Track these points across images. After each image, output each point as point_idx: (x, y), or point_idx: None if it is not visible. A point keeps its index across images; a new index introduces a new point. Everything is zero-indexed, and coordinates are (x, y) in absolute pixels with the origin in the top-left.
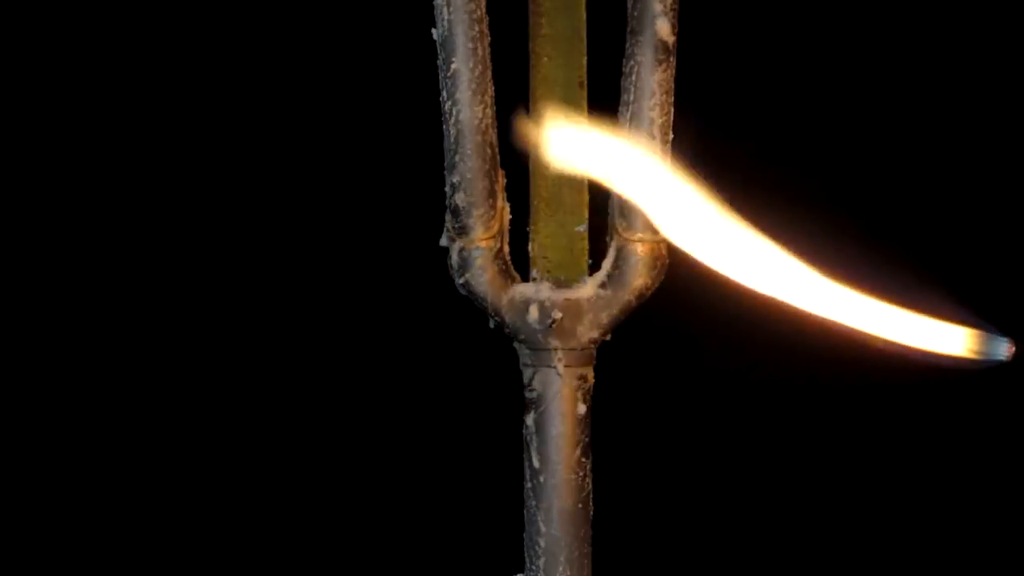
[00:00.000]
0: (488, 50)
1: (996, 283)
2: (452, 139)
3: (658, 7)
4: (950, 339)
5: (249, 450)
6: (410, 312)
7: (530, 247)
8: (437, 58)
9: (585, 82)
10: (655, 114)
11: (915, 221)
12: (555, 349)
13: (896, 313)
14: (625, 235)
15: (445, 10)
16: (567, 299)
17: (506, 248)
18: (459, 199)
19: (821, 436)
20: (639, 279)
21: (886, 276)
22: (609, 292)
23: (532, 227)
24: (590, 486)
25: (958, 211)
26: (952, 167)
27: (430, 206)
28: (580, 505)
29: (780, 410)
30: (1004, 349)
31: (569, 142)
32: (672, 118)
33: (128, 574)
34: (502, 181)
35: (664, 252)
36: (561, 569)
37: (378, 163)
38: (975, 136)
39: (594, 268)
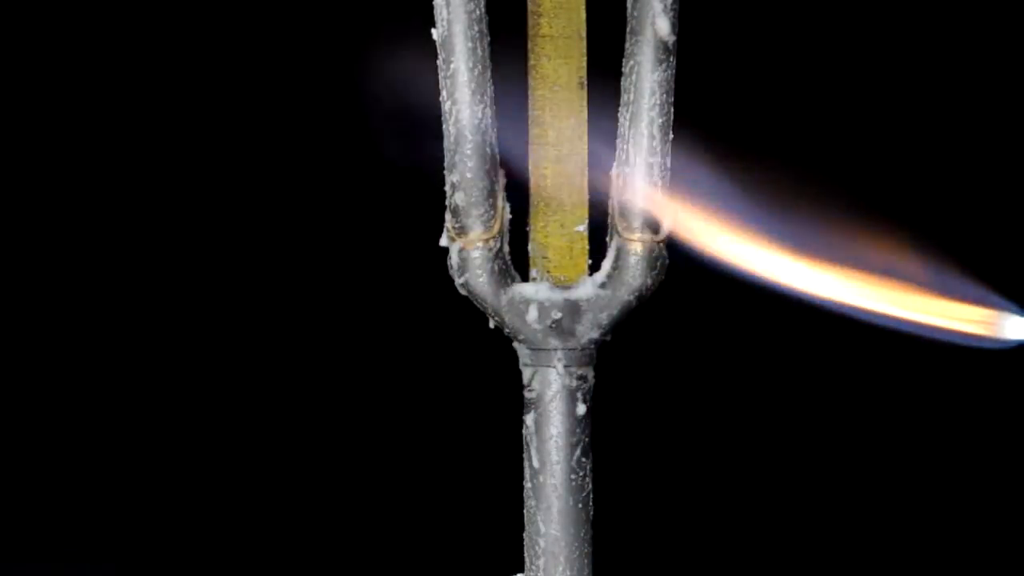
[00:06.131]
0: (488, 50)
1: (1013, 260)
2: (452, 139)
3: (658, 7)
4: (969, 318)
5: (249, 450)
6: (410, 312)
7: (530, 247)
8: (437, 58)
9: (585, 82)
10: (655, 114)
11: (932, 203)
12: (555, 349)
13: (911, 292)
14: (625, 235)
15: (445, 10)
16: (567, 299)
17: (506, 248)
18: (459, 199)
19: (821, 436)
20: (639, 279)
21: (900, 254)
22: (609, 292)
23: (532, 227)
24: (590, 486)
25: (975, 191)
26: (966, 151)
27: (430, 206)
28: (580, 505)
29: (780, 410)
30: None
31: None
32: (672, 118)
33: (129, 572)
34: (502, 181)
35: (664, 252)
36: (561, 569)
37: (378, 163)
38: (983, 124)
39: (594, 268)
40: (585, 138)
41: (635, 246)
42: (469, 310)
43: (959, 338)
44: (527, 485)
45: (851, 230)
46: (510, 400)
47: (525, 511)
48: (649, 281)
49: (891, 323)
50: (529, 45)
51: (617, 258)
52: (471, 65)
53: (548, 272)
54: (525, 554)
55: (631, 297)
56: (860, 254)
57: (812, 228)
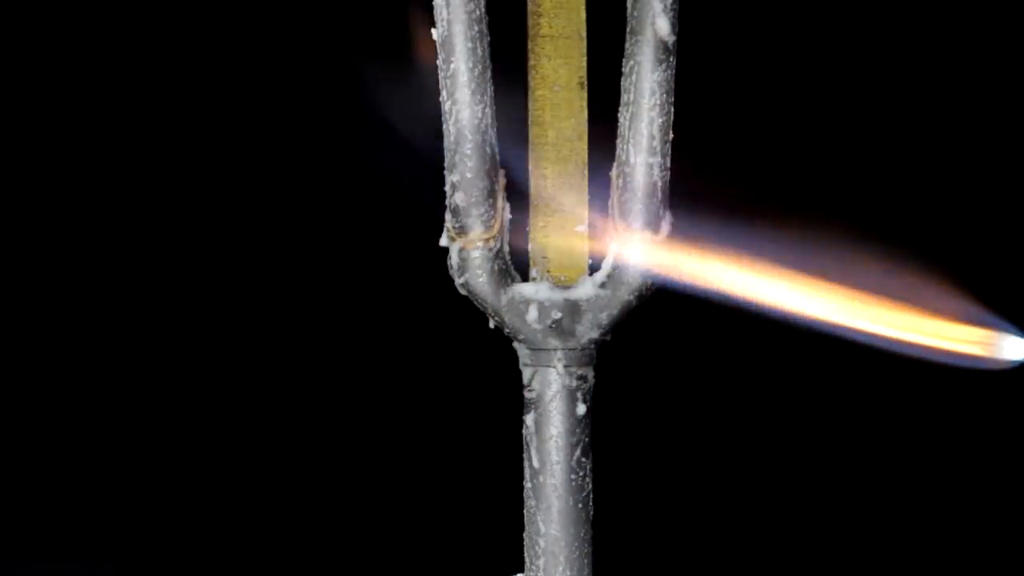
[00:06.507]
0: (488, 50)
1: (1013, 281)
2: (452, 139)
3: (658, 7)
4: (968, 339)
5: (250, 450)
6: (410, 312)
7: (530, 247)
8: (437, 58)
9: (585, 82)
10: (655, 114)
11: (929, 218)
12: (555, 349)
13: (910, 313)
14: (625, 235)
15: (445, 10)
16: (567, 299)
17: (506, 248)
18: (459, 199)
19: (821, 436)
20: (639, 279)
21: (899, 275)
22: (609, 292)
23: (532, 227)
24: (590, 486)
25: (973, 209)
26: (966, 165)
27: (430, 206)
28: (580, 505)
29: (779, 410)
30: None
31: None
32: (672, 118)
33: (129, 572)
34: (502, 181)
35: (664, 252)
36: (561, 569)
37: (378, 163)
38: (982, 133)
39: (594, 268)
40: (585, 138)
41: (635, 246)
42: (469, 310)
43: (957, 359)
44: (527, 485)
45: (848, 248)
46: (510, 400)
47: (525, 511)
48: (649, 281)
49: (889, 344)
50: (529, 45)
51: (617, 258)
52: (471, 65)
53: (548, 272)
54: (525, 554)
55: (631, 297)
56: (857, 273)
57: (808, 246)
